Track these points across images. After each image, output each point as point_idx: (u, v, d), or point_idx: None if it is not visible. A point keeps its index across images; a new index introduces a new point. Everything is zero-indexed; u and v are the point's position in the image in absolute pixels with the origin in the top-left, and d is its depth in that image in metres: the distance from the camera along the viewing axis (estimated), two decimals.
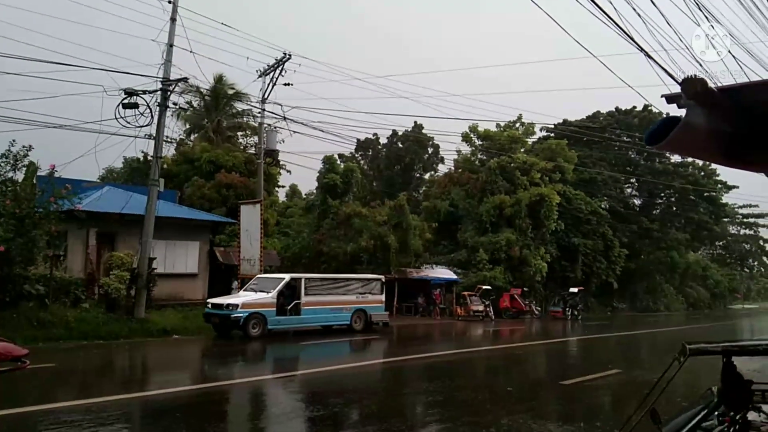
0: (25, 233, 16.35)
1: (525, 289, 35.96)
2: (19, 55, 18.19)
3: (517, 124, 42.73)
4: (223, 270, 25.27)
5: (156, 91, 19.43)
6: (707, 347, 3.95)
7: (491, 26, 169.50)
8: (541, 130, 47.76)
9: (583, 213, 42.37)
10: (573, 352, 20.98)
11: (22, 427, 7.92)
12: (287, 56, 25.78)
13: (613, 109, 53.23)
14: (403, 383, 13.07)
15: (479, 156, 41.38)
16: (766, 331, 32.86)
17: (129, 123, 18.52)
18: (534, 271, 36.50)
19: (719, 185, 54.60)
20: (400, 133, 49.43)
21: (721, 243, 65.03)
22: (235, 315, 17.90)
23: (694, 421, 4.11)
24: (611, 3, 9.19)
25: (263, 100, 26.56)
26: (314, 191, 40.63)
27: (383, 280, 22.71)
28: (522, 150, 40.90)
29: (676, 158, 51.20)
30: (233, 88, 35.72)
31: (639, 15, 9.83)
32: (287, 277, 19.97)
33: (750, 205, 59.06)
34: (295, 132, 36.80)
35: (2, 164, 16.93)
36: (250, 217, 23.26)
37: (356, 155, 51.38)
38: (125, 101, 18.47)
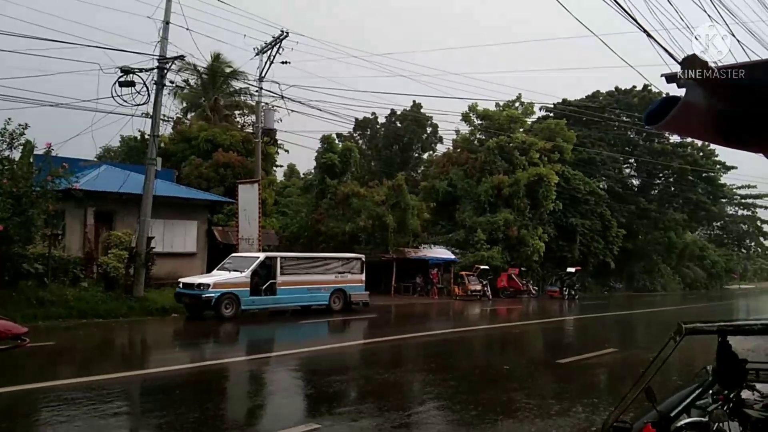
0: (22, 212, 16.32)
1: (522, 268, 36.12)
2: (13, 32, 18.01)
3: (516, 104, 42.53)
4: (221, 249, 25.31)
5: (152, 69, 19.28)
6: (703, 327, 3.97)
7: (491, 4, 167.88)
8: (540, 109, 47.63)
9: (581, 193, 42.38)
10: (570, 331, 21.14)
11: (23, 405, 7.99)
12: (285, 34, 25.58)
13: (613, 89, 52.97)
14: (396, 362, 13.16)
15: (478, 136, 41.22)
16: (761, 311, 33.12)
17: (126, 101, 18.44)
18: (531, 251, 36.61)
19: (718, 166, 54.58)
20: (398, 113, 49.23)
21: (718, 223, 65.21)
22: (207, 295, 17.46)
23: (688, 399, 4.15)
24: None
25: (261, 79, 26.41)
26: (312, 171, 40.56)
27: (363, 259, 22.31)
28: (521, 130, 40.75)
29: (675, 138, 51.11)
30: (230, 67, 35.51)
31: None
32: (262, 255, 19.61)
33: (748, 186, 59.22)
34: (292, 111, 36.59)
35: None
36: (248, 196, 23.23)
37: (354, 135, 51.20)
38: (122, 79, 18.33)
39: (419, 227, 32.19)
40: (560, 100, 48.93)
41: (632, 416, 4.29)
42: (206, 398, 8.74)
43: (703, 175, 53.00)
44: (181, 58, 20.94)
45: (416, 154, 52.17)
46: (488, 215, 35.95)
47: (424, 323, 21.29)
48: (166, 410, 7.81)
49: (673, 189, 54.82)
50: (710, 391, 4.21)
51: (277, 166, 39.38)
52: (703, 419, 3.94)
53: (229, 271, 18.93)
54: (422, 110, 46.85)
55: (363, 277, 21.84)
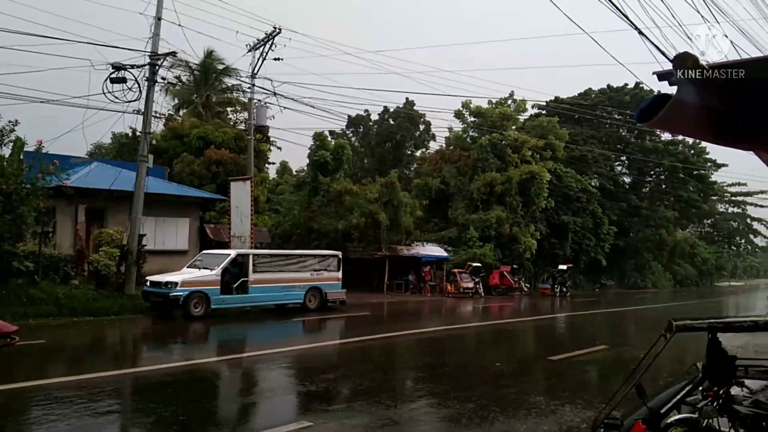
0: (12, 209, 16.21)
1: (514, 266, 36.23)
2: (2, 27, 17.85)
3: (509, 101, 42.59)
4: (213, 247, 25.22)
5: (144, 65, 19.18)
6: (693, 324, 4.00)
7: (484, 2, 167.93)
8: (532, 107, 47.68)
9: (573, 191, 42.53)
10: (561, 328, 21.24)
11: (14, 403, 7.94)
12: (277, 30, 25.48)
13: (605, 87, 53.12)
14: (388, 360, 13.18)
15: (471, 133, 41.26)
16: (750, 308, 33.35)
17: (117, 98, 18.36)
18: (523, 248, 36.72)
19: (708, 163, 54.88)
20: (391, 110, 49.15)
21: (709, 221, 65.61)
22: (174, 294, 16.91)
23: (679, 396, 4.19)
24: None
25: (253, 75, 26.31)
26: (305, 168, 40.51)
27: (340, 256, 21.80)
28: (513, 127, 40.81)
29: (666, 136, 51.36)
30: (223, 63, 35.37)
31: None
32: (233, 253, 19.02)
33: (738, 183, 59.47)
34: (285, 108, 36.64)
35: None
36: (241, 193, 23.15)
37: (347, 132, 51.11)
38: (113, 76, 18.25)
39: (412, 225, 32.21)
40: (552, 98, 49.06)
41: (623, 412, 4.31)
42: (196, 397, 8.73)
43: (694, 172, 53.28)
44: (173, 54, 20.85)
45: (409, 152, 52.13)
46: (481, 213, 36.02)
47: (416, 321, 21.31)
48: (158, 408, 7.80)
49: (664, 186, 55.11)
50: (700, 388, 4.24)
51: (269, 163, 39.26)
52: (692, 415, 3.97)
53: (199, 268, 18.36)
54: (415, 107, 46.81)
55: (340, 274, 21.27)
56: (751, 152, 3.53)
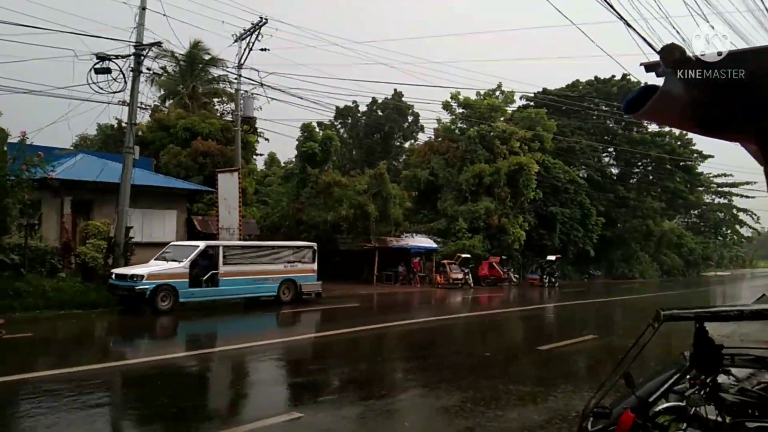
0: None
1: (503, 257, 36.36)
2: None
3: (497, 93, 42.59)
4: (201, 239, 25.09)
5: (129, 55, 18.97)
6: (680, 313, 4.04)
7: None
8: (520, 98, 47.67)
9: (561, 182, 42.69)
10: (550, 318, 21.38)
11: (2, 396, 7.88)
12: (264, 20, 25.26)
13: (592, 78, 53.26)
14: (378, 351, 13.21)
15: (459, 124, 41.23)
16: (736, 297, 33.76)
17: (102, 89, 18.12)
18: (512, 239, 36.86)
19: (695, 154, 55.22)
20: (379, 101, 49.02)
21: (695, 212, 66.12)
22: (141, 287, 16.38)
23: (666, 385, 4.23)
24: None
25: (239, 66, 26.08)
26: (293, 159, 40.32)
27: (315, 247, 21.23)
28: (501, 119, 40.82)
29: (653, 127, 51.58)
30: (209, 53, 35.04)
31: None
32: (202, 244, 18.44)
33: (725, 174, 59.85)
34: (272, 99, 36.13)
35: None
36: (228, 185, 23.01)
37: (335, 123, 50.92)
38: (97, 66, 18.01)
39: (401, 216, 32.20)
40: (540, 89, 49.10)
41: (612, 401, 4.35)
42: (185, 389, 8.71)
43: (681, 163, 53.62)
44: (159, 44, 20.60)
45: (398, 143, 52.04)
46: (469, 204, 36.08)
47: (406, 312, 21.35)
48: (146, 401, 7.78)
49: (651, 177, 55.45)
50: (687, 376, 4.28)
51: (257, 154, 39.03)
52: (680, 403, 4.01)
53: (168, 261, 17.87)
54: (403, 99, 46.68)
55: (315, 266, 20.79)
56: (737, 143, 3.55)
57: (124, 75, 18.53)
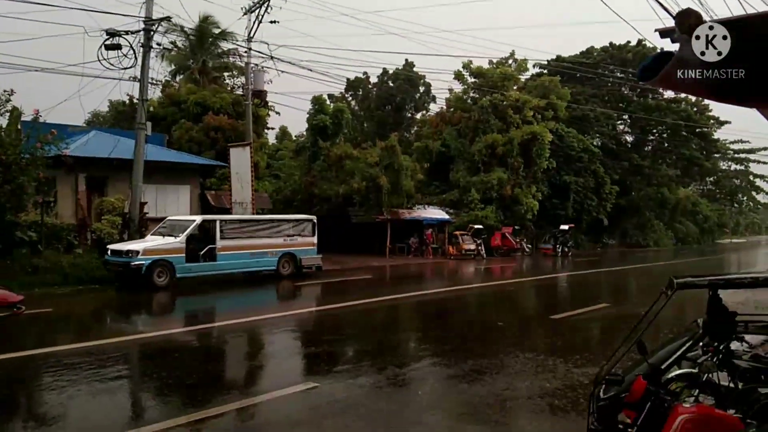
0: (12, 180, 16.18)
1: (516, 227, 36.30)
2: None
3: (510, 61, 42.00)
4: (215, 213, 25.28)
5: (139, 31, 18.87)
6: (694, 281, 4.03)
7: None
8: (534, 66, 47.01)
9: (575, 151, 42.30)
10: (563, 287, 21.40)
11: (24, 370, 8.08)
12: None
13: (607, 45, 52.27)
14: (393, 322, 13.31)
15: (471, 94, 40.80)
16: (751, 264, 33.57)
17: (112, 65, 18.08)
18: (525, 209, 36.73)
19: (711, 121, 54.32)
20: (390, 72, 48.52)
21: (711, 179, 65.27)
22: (136, 263, 16.06)
23: (679, 352, 4.24)
24: None
25: (249, 39, 25.90)
26: (304, 133, 40.21)
27: (314, 220, 20.88)
28: (515, 87, 40.33)
29: (669, 94, 50.61)
30: (218, 27, 34.78)
31: None
32: (198, 219, 18.29)
33: (741, 141, 58.89)
34: (282, 72, 36.10)
35: None
36: (240, 160, 23.06)
37: (346, 95, 50.58)
38: (107, 42, 17.96)
39: (413, 188, 32.15)
40: (554, 57, 48.32)
41: (624, 369, 4.37)
42: (201, 361, 8.87)
43: (697, 130, 52.79)
44: (168, 19, 20.47)
45: (409, 114, 51.63)
46: (482, 175, 35.90)
47: (419, 283, 21.46)
48: (165, 373, 7.93)
49: (666, 145, 54.71)
50: (700, 344, 4.29)
51: (268, 128, 38.90)
52: (693, 371, 4.03)
53: (164, 236, 17.57)
54: (415, 69, 46.16)
55: (315, 239, 20.47)
56: (754, 109, 3.49)
57: (134, 51, 18.48)
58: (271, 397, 6.72)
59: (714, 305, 4.08)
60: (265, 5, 25.11)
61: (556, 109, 40.28)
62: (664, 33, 2.73)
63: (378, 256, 29.46)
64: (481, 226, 33.03)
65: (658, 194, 52.58)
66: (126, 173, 19.87)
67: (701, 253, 45.19)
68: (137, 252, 16.37)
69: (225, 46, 35.80)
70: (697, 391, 3.79)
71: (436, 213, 34.04)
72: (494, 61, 41.01)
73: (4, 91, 16.77)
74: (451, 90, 42.60)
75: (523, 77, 42.90)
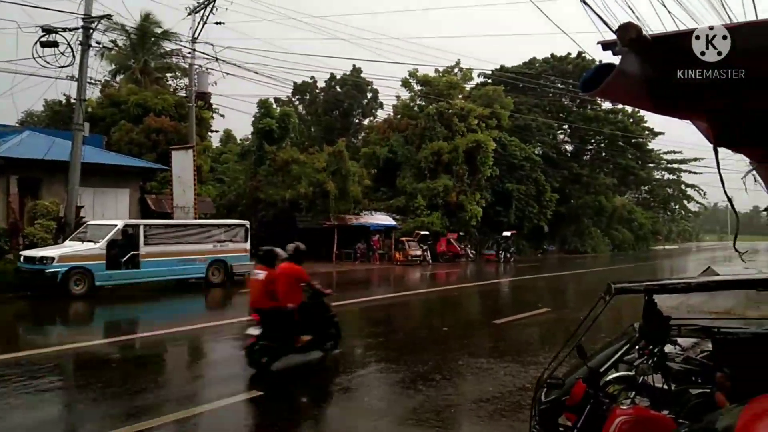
0: None
1: (461, 233, 36.85)
2: None
3: (456, 70, 42.68)
4: (155, 218, 24.58)
5: (77, 28, 18.19)
6: (630, 286, 4.16)
7: None
8: (478, 75, 47.93)
9: (517, 159, 43.31)
10: (505, 292, 21.81)
11: None
12: None
13: (549, 56, 53.82)
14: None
15: (418, 102, 41.25)
16: (683, 270, 35.06)
17: (48, 63, 17.33)
18: (470, 216, 37.35)
19: (646, 132, 56.69)
20: (338, 77, 48.48)
21: (646, 187, 67.96)
22: (51, 270, 15.21)
23: (617, 355, 4.39)
24: None
25: (193, 40, 25.38)
26: (249, 136, 39.67)
27: (247, 225, 20.31)
28: (460, 96, 41.01)
29: (607, 105, 52.60)
30: (161, 27, 33.95)
31: None
32: (120, 223, 17.25)
33: (674, 151, 61.63)
34: (228, 74, 35.24)
35: None
36: (183, 163, 22.53)
37: (293, 99, 50.24)
38: (43, 39, 17.23)
39: (360, 194, 32.19)
40: (498, 67, 49.44)
41: (565, 372, 4.48)
42: (135, 372, 8.59)
43: (633, 140, 55.00)
44: (108, 17, 19.88)
45: (357, 120, 51.68)
46: (428, 181, 36.31)
47: (365, 289, 21.43)
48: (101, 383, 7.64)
49: (604, 154, 56.75)
50: (636, 347, 4.45)
51: (212, 131, 38.21)
52: (629, 373, 4.17)
53: (83, 241, 16.70)
54: (362, 75, 46.30)
55: (247, 246, 19.73)
56: (689, 121, 3.65)
57: (72, 49, 17.78)
58: (214, 406, 6.57)
59: (649, 310, 4.24)
60: (211, 6, 24.71)
61: (499, 118, 41.19)
62: (606, 45, 2.82)
63: (325, 262, 29.27)
64: (427, 232, 33.38)
65: (595, 202, 54.36)
66: (62, 176, 19.09)
67: (636, 259, 46.90)
68: (52, 258, 15.48)
69: (168, 46, 35.03)
70: (634, 393, 3.92)
71: (382, 219, 34.15)
72: (440, 69, 41.60)
73: None
74: (398, 97, 42.99)
75: (468, 86, 43.67)
